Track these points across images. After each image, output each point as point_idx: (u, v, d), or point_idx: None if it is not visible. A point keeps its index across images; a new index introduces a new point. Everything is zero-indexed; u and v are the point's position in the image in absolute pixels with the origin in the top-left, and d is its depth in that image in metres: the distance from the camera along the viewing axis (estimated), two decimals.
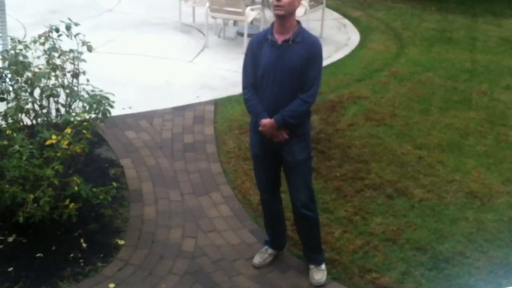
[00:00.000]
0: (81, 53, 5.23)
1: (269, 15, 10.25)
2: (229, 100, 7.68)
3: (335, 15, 12.37)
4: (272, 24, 4.32)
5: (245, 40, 9.40)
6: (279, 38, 4.23)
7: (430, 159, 6.49)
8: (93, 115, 5.00)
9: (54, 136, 4.55)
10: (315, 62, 4.22)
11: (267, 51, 4.25)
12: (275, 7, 4.14)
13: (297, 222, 4.73)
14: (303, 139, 4.42)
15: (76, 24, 5.15)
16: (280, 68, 4.20)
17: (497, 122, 7.50)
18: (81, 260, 4.77)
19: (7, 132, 4.68)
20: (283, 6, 4.11)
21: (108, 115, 5.05)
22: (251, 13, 9.63)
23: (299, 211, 4.57)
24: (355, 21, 11.97)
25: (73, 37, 5.17)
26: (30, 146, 4.53)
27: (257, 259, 4.84)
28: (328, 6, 11.54)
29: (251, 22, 9.91)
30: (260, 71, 4.28)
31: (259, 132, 4.37)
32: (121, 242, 5.02)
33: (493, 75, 9.20)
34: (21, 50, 5.19)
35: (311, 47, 4.21)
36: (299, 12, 9.81)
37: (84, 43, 5.24)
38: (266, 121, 4.29)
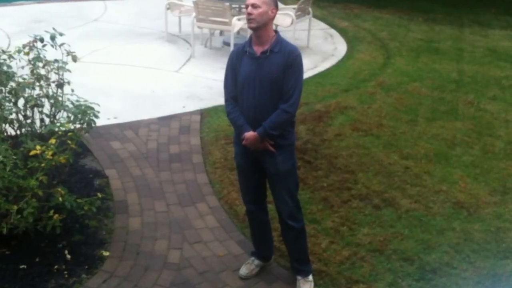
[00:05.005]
0: (66, 63, 5.21)
1: None
2: (215, 110, 7.66)
3: (322, 25, 12.41)
4: (251, 36, 4.30)
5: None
6: (257, 50, 4.21)
7: (417, 169, 6.49)
8: (78, 125, 4.96)
9: (38, 147, 4.51)
10: (293, 70, 4.15)
11: (246, 63, 4.23)
12: (247, 20, 4.12)
13: (284, 232, 4.70)
14: (287, 150, 4.39)
15: (61, 34, 5.13)
16: (260, 79, 4.17)
17: (484, 132, 7.53)
18: (66, 272, 4.71)
19: None
20: (255, 19, 4.08)
21: (93, 125, 5.02)
22: (237, 23, 9.63)
23: (285, 222, 4.55)
24: (342, 31, 12.01)
25: (57, 47, 5.13)
26: (14, 157, 4.49)
27: (243, 271, 4.81)
28: (315, 16, 11.59)
29: (238, 32, 9.91)
30: (240, 83, 4.26)
31: (242, 143, 4.36)
32: (106, 253, 4.97)
33: (480, 86, 9.26)
34: (5, 60, 5.16)
35: (288, 55, 4.15)
36: (286, 23, 9.89)
37: (69, 53, 5.21)
38: (248, 134, 4.27)
